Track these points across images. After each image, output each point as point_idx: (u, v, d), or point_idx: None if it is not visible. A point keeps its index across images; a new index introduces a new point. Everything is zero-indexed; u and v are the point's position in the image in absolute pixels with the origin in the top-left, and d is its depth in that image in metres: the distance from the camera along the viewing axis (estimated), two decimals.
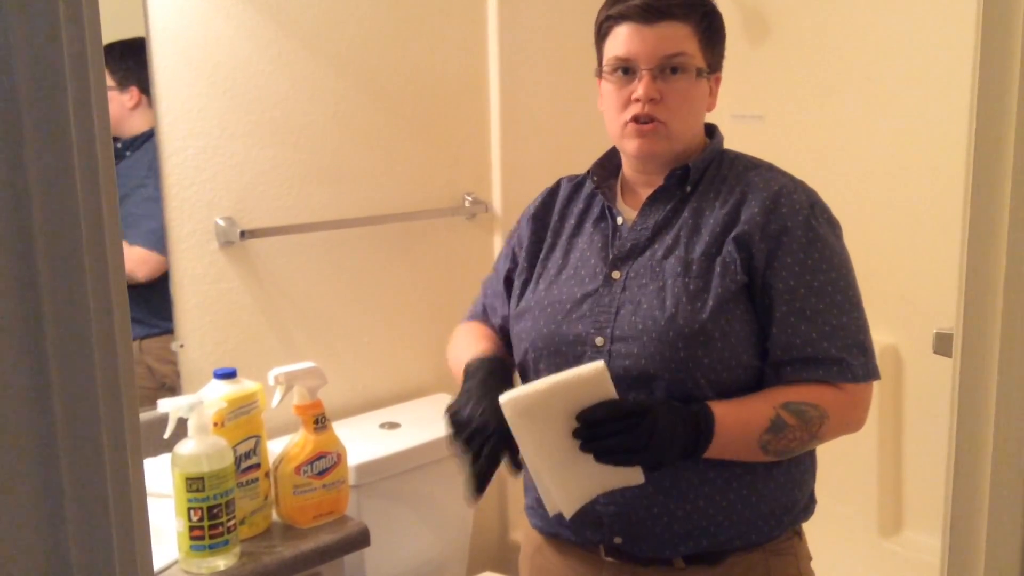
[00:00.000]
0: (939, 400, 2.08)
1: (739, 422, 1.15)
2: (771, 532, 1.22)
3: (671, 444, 1.09)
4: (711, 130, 1.32)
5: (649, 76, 1.19)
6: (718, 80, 1.27)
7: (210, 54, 1.79)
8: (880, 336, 2.28)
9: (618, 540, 1.20)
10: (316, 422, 1.52)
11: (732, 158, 1.28)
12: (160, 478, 1.42)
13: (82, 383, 0.35)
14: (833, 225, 1.23)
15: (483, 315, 1.42)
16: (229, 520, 1.37)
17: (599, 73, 1.26)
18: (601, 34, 1.25)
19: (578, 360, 1.19)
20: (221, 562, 1.37)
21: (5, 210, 0.35)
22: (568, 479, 1.10)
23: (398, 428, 1.99)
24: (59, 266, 0.35)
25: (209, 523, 1.35)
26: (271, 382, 1.51)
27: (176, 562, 1.38)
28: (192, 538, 1.35)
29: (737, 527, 1.19)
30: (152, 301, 1.80)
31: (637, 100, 1.19)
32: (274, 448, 1.56)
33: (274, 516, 1.54)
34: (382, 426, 2.00)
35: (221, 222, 1.84)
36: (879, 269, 2.28)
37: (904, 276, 2.25)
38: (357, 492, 1.78)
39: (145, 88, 1.73)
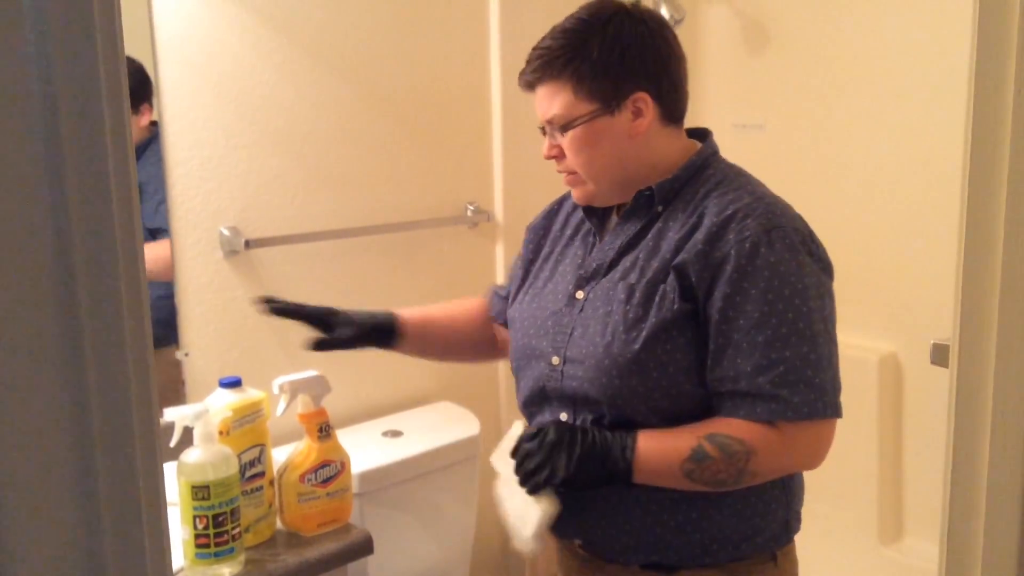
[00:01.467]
0: (940, 408, 2.09)
1: (662, 448, 1.15)
2: (728, 555, 1.21)
3: (569, 453, 1.14)
4: (704, 136, 1.29)
5: (548, 137, 1.26)
6: (644, 99, 1.19)
7: (215, 64, 1.81)
8: (881, 345, 2.30)
9: (578, 542, 1.28)
10: (320, 430, 1.53)
11: (710, 174, 1.23)
12: (166, 486, 1.43)
13: (118, 395, 0.37)
14: (795, 251, 1.13)
15: (493, 297, 1.52)
16: (234, 528, 1.38)
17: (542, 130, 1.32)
18: None
19: (541, 376, 1.26)
20: (226, 570, 1.38)
21: (45, 210, 0.36)
22: (516, 533, 1.24)
23: (401, 436, 2.00)
24: (95, 276, 0.36)
25: (214, 531, 1.36)
26: (276, 391, 1.52)
27: (182, 570, 1.39)
28: (197, 546, 1.36)
29: (688, 548, 1.20)
30: None
31: (546, 159, 1.28)
32: (278, 456, 1.57)
33: (278, 524, 1.55)
34: (385, 434, 2.01)
35: (226, 232, 1.85)
36: (880, 278, 2.29)
37: (905, 285, 2.26)
38: (360, 500, 1.79)
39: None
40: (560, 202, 1.41)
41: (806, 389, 1.12)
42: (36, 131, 0.34)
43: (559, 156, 1.25)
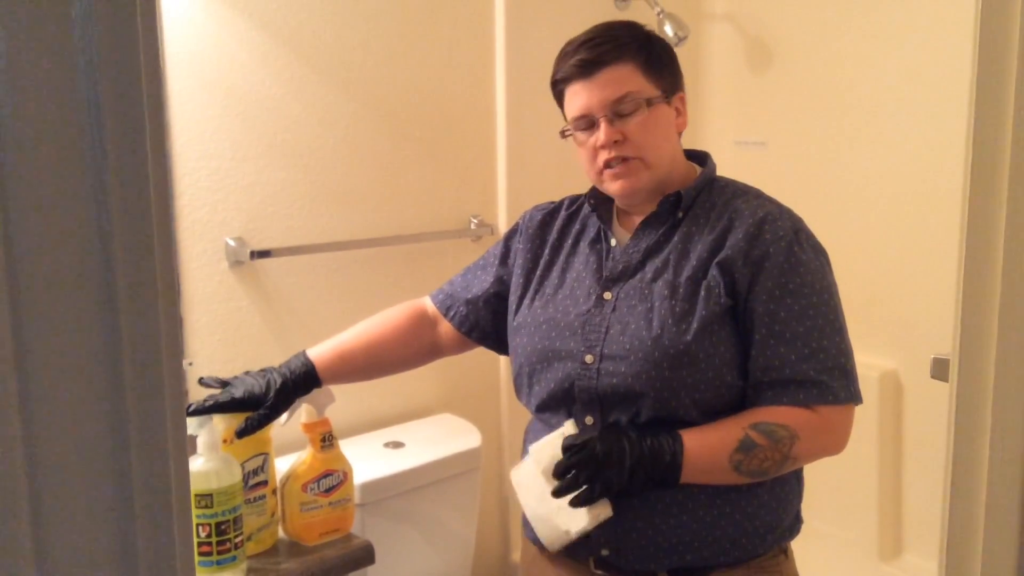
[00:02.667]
0: (940, 426, 2.10)
1: (708, 444, 1.18)
2: (755, 549, 1.25)
3: (620, 465, 1.16)
4: (703, 157, 1.36)
5: (606, 122, 1.25)
6: (682, 99, 1.31)
7: (224, 77, 1.82)
8: (881, 361, 2.31)
9: (605, 552, 1.26)
10: (323, 440, 1.54)
11: (722, 185, 1.32)
12: None
13: (153, 396, 0.38)
14: (818, 252, 1.25)
15: (444, 298, 1.53)
16: (236, 536, 1.39)
17: (563, 133, 1.31)
18: (557, 96, 1.33)
19: (568, 376, 1.26)
20: None
21: (87, 208, 0.38)
22: (555, 523, 1.23)
23: (403, 447, 2.01)
24: (133, 272, 0.38)
25: (217, 539, 1.36)
26: None
27: None
28: (200, 554, 1.37)
29: (720, 543, 1.23)
30: None
31: (603, 147, 1.25)
32: (281, 465, 1.58)
33: (280, 533, 1.55)
34: (387, 445, 2.02)
35: (231, 242, 1.86)
36: (880, 294, 2.30)
37: (905, 301, 2.27)
38: (362, 510, 1.80)
39: None
40: (551, 214, 1.44)
41: (841, 376, 1.21)
42: (84, 140, 0.36)
43: (622, 140, 1.25)
